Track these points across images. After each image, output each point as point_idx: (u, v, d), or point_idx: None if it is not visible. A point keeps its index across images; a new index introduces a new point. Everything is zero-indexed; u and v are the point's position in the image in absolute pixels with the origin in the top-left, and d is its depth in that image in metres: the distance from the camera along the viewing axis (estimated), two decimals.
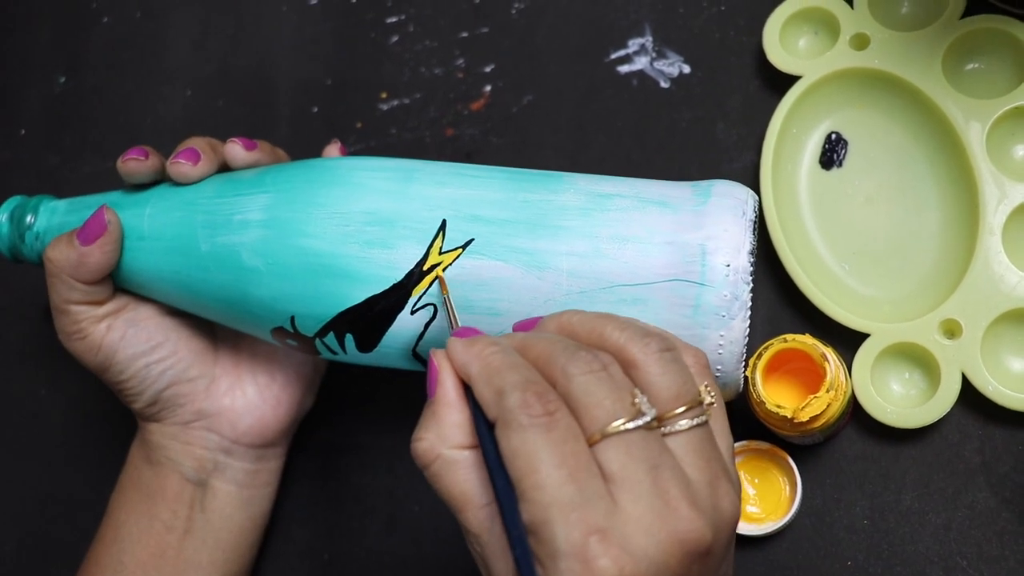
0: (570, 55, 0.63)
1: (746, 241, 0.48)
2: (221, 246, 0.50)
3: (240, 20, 0.68)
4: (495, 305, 0.48)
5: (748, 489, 0.55)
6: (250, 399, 0.55)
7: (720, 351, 0.47)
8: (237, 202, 0.50)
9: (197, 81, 0.67)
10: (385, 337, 0.49)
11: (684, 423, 0.40)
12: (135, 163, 0.52)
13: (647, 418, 0.39)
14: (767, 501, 0.54)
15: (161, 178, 0.54)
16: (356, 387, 0.61)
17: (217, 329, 0.56)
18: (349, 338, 0.50)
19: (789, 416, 0.51)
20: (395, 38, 0.65)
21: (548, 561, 0.38)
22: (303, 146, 0.62)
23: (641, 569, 0.38)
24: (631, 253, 0.47)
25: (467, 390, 0.42)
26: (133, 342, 0.53)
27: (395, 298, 0.48)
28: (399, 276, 0.48)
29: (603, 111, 0.61)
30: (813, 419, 0.51)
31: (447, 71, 0.64)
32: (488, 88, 0.63)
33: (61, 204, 0.55)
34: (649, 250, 0.47)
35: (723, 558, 0.40)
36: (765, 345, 0.52)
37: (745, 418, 0.55)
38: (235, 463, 0.55)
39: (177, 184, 0.52)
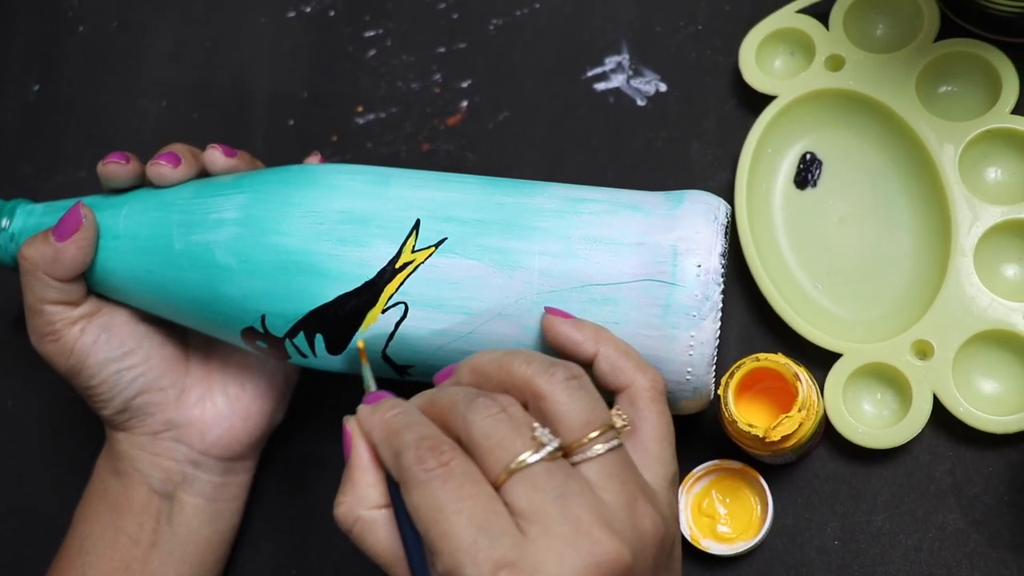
0: (547, 72, 0.63)
1: (717, 244, 0.48)
2: (195, 244, 0.50)
3: (217, 32, 0.67)
4: (467, 304, 0.48)
5: (719, 508, 0.54)
6: (220, 410, 0.55)
7: (691, 352, 0.47)
8: (213, 202, 0.51)
9: (173, 93, 0.67)
10: (355, 337, 0.49)
11: (598, 447, 0.41)
12: (115, 166, 0.53)
13: (549, 448, 0.40)
14: (738, 521, 0.54)
15: (139, 183, 0.54)
16: (326, 401, 0.60)
17: (189, 339, 0.56)
18: (319, 338, 0.49)
19: (761, 435, 0.51)
20: (372, 52, 0.65)
21: None
22: (278, 159, 0.61)
23: None
24: (602, 254, 0.48)
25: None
26: (105, 347, 0.52)
27: (366, 296, 0.48)
28: (371, 274, 0.48)
29: (579, 128, 0.62)
30: (785, 439, 0.51)
31: (424, 86, 0.64)
32: (465, 103, 0.63)
33: (37, 207, 0.55)
34: (620, 251, 0.48)
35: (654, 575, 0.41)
36: (738, 364, 0.52)
37: (717, 437, 0.55)
38: (203, 476, 0.55)
39: (155, 187, 0.53)
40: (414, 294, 0.48)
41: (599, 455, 0.41)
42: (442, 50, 0.64)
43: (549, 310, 0.47)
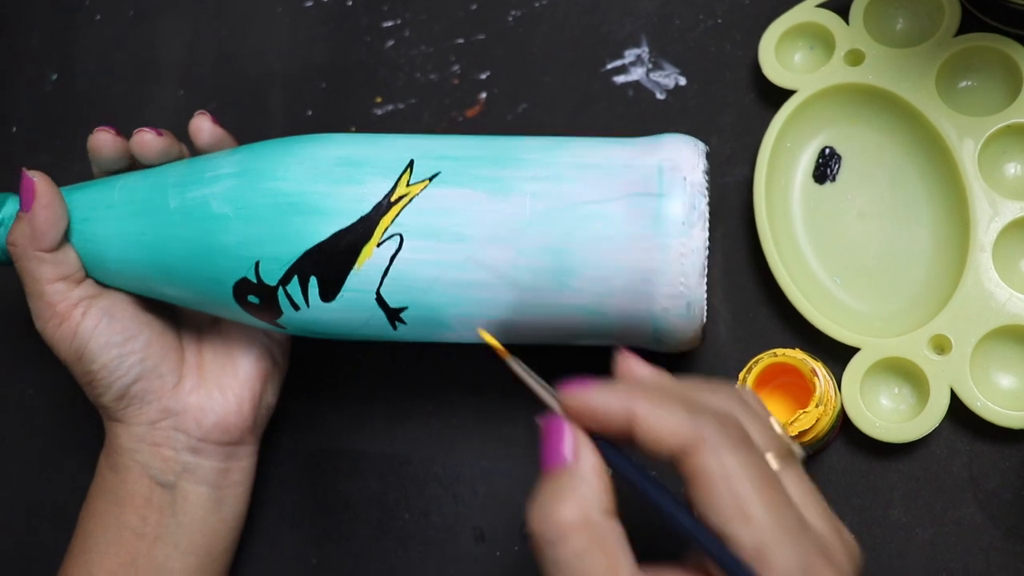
0: (566, 64, 0.63)
1: (700, 163, 0.50)
2: (190, 199, 0.51)
3: (234, 22, 0.67)
4: (461, 229, 0.49)
5: None
6: (214, 396, 0.55)
7: (683, 260, 0.48)
8: (210, 163, 0.52)
9: (190, 82, 0.67)
10: (349, 278, 0.49)
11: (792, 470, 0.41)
12: (104, 135, 0.54)
13: (801, 455, 0.41)
14: None
15: (126, 165, 0.55)
16: (346, 393, 0.60)
17: (182, 328, 0.57)
18: (313, 283, 0.50)
19: None
20: (391, 43, 0.65)
21: None
22: None
23: None
24: (592, 175, 0.50)
25: (602, 449, 0.40)
26: (107, 331, 0.53)
27: (361, 230, 0.49)
28: (367, 209, 0.49)
29: (598, 121, 0.62)
30: (802, 433, 0.51)
31: (442, 77, 0.64)
32: (483, 95, 0.63)
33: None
34: (609, 172, 0.50)
35: None
36: (755, 359, 0.52)
37: None
38: (204, 463, 0.55)
39: (142, 164, 0.54)
40: (409, 225, 0.49)
41: (796, 472, 0.41)
42: (460, 41, 0.64)
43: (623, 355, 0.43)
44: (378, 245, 0.49)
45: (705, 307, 0.50)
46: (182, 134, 0.57)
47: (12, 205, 0.55)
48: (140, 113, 0.67)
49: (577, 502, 0.38)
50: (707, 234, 0.49)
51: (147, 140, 0.53)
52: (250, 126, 0.65)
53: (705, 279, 0.49)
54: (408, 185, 0.50)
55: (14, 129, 0.68)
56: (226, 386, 0.56)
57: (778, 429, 0.42)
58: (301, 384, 0.60)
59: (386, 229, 0.49)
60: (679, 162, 0.49)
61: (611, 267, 0.49)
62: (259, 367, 0.56)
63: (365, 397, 0.60)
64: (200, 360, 0.56)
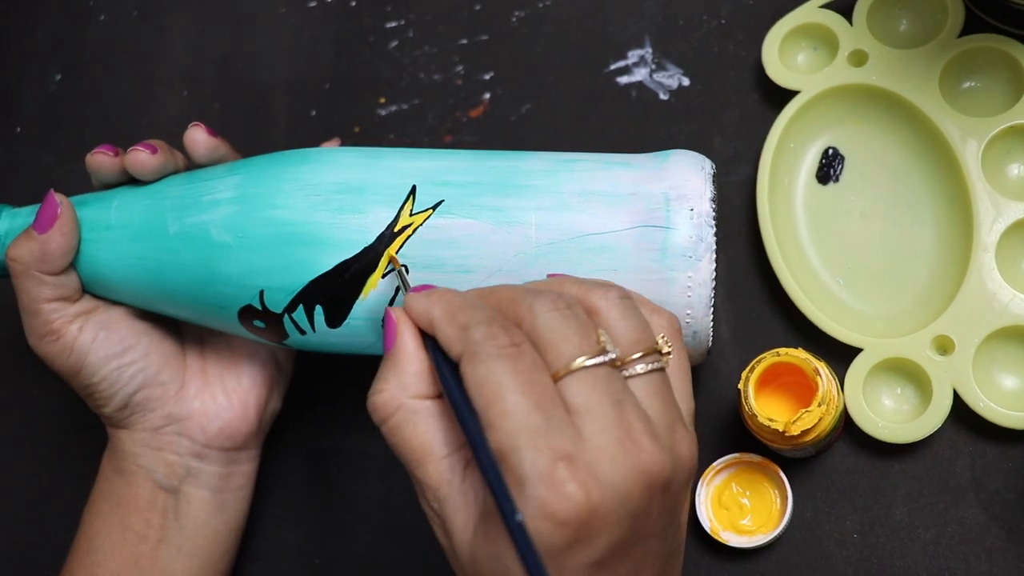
0: (570, 65, 0.63)
1: (707, 190, 0.49)
2: (190, 226, 0.50)
3: (238, 22, 0.68)
4: (466, 262, 0.49)
5: (739, 501, 0.55)
6: (219, 401, 0.55)
7: (689, 294, 0.48)
8: (207, 186, 0.51)
9: (194, 82, 0.67)
10: (355, 307, 0.49)
11: (642, 367, 0.41)
12: (102, 157, 0.53)
13: (611, 355, 0.40)
14: (758, 513, 0.55)
15: (126, 179, 0.54)
16: (348, 393, 0.60)
17: (184, 334, 0.56)
18: (319, 311, 0.50)
19: (781, 429, 0.51)
20: (394, 43, 0.65)
21: (515, 488, 0.38)
22: None
23: (607, 496, 0.38)
24: (597, 205, 0.49)
25: (425, 340, 0.43)
26: (105, 344, 0.52)
27: (366, 261, 0.49)
28: (370, 240, 0.49)
29: (602, 122, 0.62)
30: (804, 433, 0.51)
31: (446, 78, 0.64)
32: (487, 96, 0.63)
33: (22, 209, 0.55)
34: (614, 201, 0.49)
35: (680, 502, 0.41)
36: (758, 359, 0.52)
37: (737, 431, 0.56)
38: (207, 467, 0.55)
39: (138, 181, 0.53)
40: (413, 256, 0.49)
41: (645, 373, 0.41)
42: (464, 42, 0.64)
43: (552, 276, 0.47)
44: (383, 276, 0.49)
45: (711, 334, 0.50)
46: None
47: (10, 218, 0.54)
48: (144, 114, 0.67)
49: (394, 385, 0.42)
50: (714, 266, 0.49)
51: (142, 159, 0.52)
52: (253, 127, 0.65)
53: (711, 310, 0.49)
54: (411, 215, 0.49)
55: (19, 129, 0.69)
56: (231, 390, 0.55)
57: (623, 331, 0.41)
58: (305, 385, 0.60)
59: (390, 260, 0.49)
60: (685, 191, 0.49)
61: None
62: (264, 372, 0.56)
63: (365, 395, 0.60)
64: (204, 364, 0.56)
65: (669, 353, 0.42)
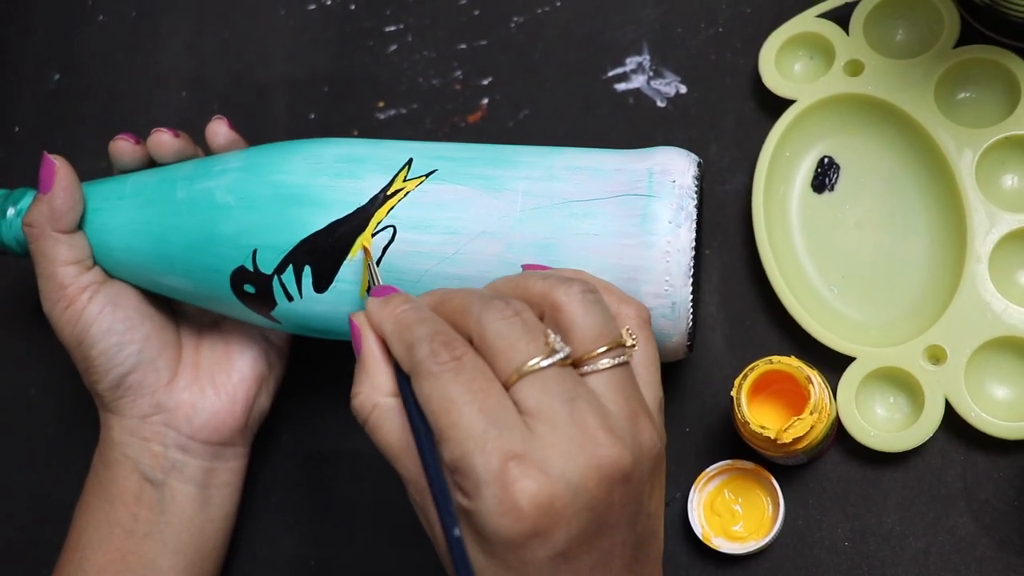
0: (568, 71, 0.63)
1: (691, 168, 0.50)
2: (197, 191, 0.53)
3: (236, 24, 0.68)
4: (453, 223, 0.50)
5: (731, 508, 0.55)
6: (207, 395, 0.56)
7: (667, 259, 0.49)
8: (220, 159, 0.54)
9: (192, 83, 0.67)
10: (342, 269, 0.50)
11: (605, 362, 0.42)
12: (124, 143, 0.56)
13: (561, 355, 0.41)
14: (750, 520, 0.55)
15: (147, 167, 0.57)
16: (345, 393, 0.60)
17: (183, 327, 0.58)
18: (307, 273, 0.51)
19: (773, 437, 0.51)
20: (393, 47, 0.65)
21: (473, 493, 0.39)
22: None
23: (559, 490, 0.39)
24: (583, 177, 0.50)
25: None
26: (110, 317, 0.54)
27: (357, 221, 0.50)
28: (363, 201, 0.51)
29: (599, 128, 0.62)
30: (796, 440, 0.51)
31: (444, 82, 0.64)
32: (485, 101, 0.64)
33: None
34: (600, 175, 0.50)
35: (647, 490, 0.42)
36: (751, 366, 0.52)
37: (729, 438, 0.56)
38: (192, 461, 0.56)
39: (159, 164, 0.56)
40: (403, 217, 0.50)
41: (608, 368, 0.42)
42: (463, 47, 0.65)
43: (525, 267, 0.48)
44: (372, 235, 0.50)
45: (691, 311, 0.50)
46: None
47: (31, 198, 0.56)
48: (142, 114, 0.67)
49: (367, 387, 0.44)
50: (694, 235, 0.49)
51: (164, 140, 0.55)
52: (252, 129, 0.65)
53: (691, 280, 0.49)
54: (405, 180, 0.51)
55: (17, 129, 0.69)
56: (220, 384, 0.56)
57: (586, 326, 0.42)
58: (301, 385, 0.61)
59: (380, 221, 0.50)
60: (669, 167, 0.50)
61: (597, 264, 0.49)
62: (255, 368, 0.57)
63: None
64: (197, 358, 0.57)
65: (633, 345, 0.43)
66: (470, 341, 0.42)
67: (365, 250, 0.50)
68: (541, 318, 0.43)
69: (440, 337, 0.41)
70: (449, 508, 0.40)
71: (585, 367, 0.42)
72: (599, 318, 0.42)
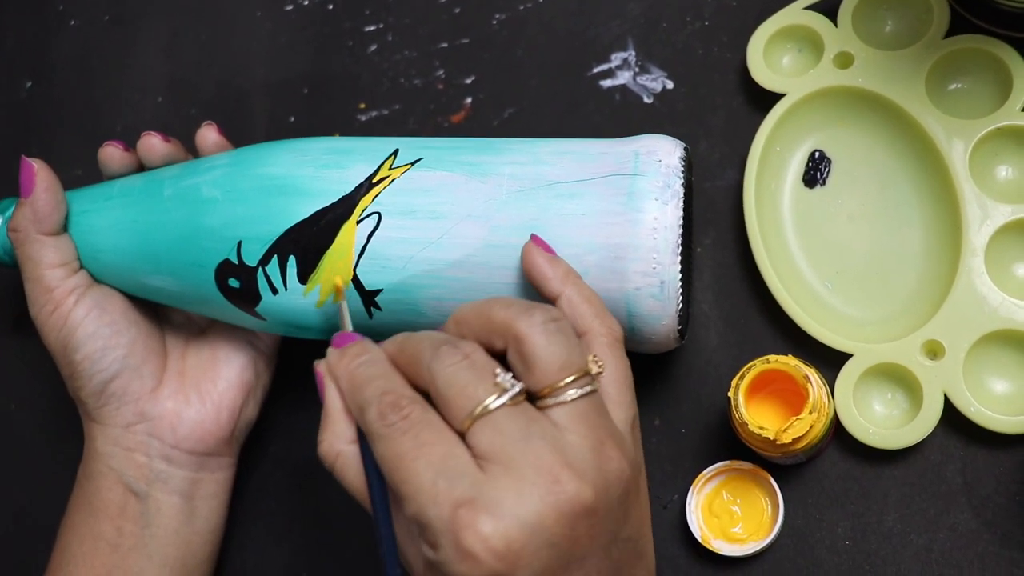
0: (552, 68, 0.62)
1: (677, 150, 0.50)
2: (184, 187, 0.53)
3: (213, 26, 0.66)
4: (438, 208, 0.49)
5: (730, 509, 0.54)
6: (192, 404, 0.55)
7: (655, 236, 0.48)
8: (206, 159, 0.54)
9: (168, 88, 0.66)
10: (326, 257, 0.50)
11: (572, 392, 0.42)
12: (113, 150, 0.55)
13: (511, 393, 0.41)
14: (749, 521, 0.54)
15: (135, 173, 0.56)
16: None
17: (169, 335, 0.57)
18: (292, 263, 0.50)
19: (771, 437, 0.50)
20: (373, 47, 0.64)
21: (435, 545, 0.40)
22: None
23: (513, 531, 0.39)
24: (569, 160, 0.50)
25: None
26: (96, 322, 0.54)
27: (342, 209, 0.50)
28: (348, 189, 0.50)
29: (585, 125, 0.61)
30: (795, 440, 0.51)
31: (426, 82, 0.63)
32: (468, 100, 0.63)
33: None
34: (586, 158, 0.50)
35: (617, 517, 0.42)
36: (748, 366, 0.52)
37: (727, 438, 0.55)
38: (177, 471, 0.55)
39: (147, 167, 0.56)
40: (388, 203, 0.50)
41: (573, 400, 0.42)
42: (444, 45, 0.64)
43: (535, 237, 0.48)
44: (357, 222, 0.50)
45: (680, 291, 0.49)
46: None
47: (15, 207, 0.56)
48: (117, 120, 0.66)
49: (330, 435, 0.45)
50: (681, 213, 0.49)
51: (154, 144, 0.55)
52: (232, 133, 0.64)
53: (679, 259, 0.48)
54: (391, 169, 0.50)
55: None
56: (205, 393, 0.56)
57: (549, 357, 0.42)
58: (290, 394, 0.60)
59: (366, 208, 0.50)
60: (655, 149, 0.50)
61: (584, 244, 0.48)
62: (242, 377, 0.56)
63: None
64: (183, 367, 0.56)
65: (600, 372, 0.43)
66: (427, 391, 0.43)
67: (338, 289, 0.50)
68: (505, 350, 0.43)
69: (388, 398, 0.42)
70: (393, 559, 0.42)
71: (549, 399, 0.42)
72: (562, 348, 0.42)
